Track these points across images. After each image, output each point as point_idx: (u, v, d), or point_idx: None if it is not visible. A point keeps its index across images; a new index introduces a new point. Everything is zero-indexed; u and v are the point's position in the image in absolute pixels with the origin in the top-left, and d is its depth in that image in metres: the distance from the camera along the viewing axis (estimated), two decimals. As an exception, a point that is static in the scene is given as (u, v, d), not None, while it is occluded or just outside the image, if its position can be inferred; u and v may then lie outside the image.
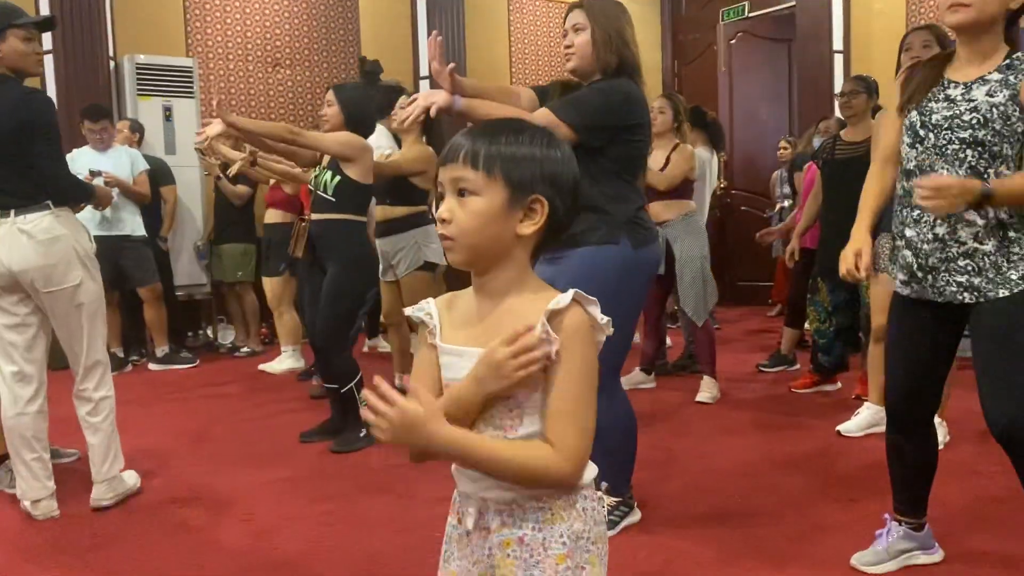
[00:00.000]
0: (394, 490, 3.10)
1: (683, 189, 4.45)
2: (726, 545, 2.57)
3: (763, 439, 3.73)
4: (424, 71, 7.63)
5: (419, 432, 1.06)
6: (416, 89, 7.26)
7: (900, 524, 2.35)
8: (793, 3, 7.80)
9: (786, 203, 6.61)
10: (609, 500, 2.66)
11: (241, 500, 3.05)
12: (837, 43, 7.31)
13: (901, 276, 2.18)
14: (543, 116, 2.45)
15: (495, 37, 8.01)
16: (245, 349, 6.22)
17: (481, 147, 1.13)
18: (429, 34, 7.79)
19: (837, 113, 5.61)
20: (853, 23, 7.33)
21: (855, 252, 2.18)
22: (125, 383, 5.18)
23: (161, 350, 5.69)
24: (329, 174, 3.65)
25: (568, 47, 2.60)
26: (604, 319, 1.14)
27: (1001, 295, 2.03)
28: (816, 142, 5.56)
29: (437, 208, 1.17)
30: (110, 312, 5.39)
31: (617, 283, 2.44)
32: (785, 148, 6.89)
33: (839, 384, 4.57)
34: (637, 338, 5.38)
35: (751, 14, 8.32)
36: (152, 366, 5.68)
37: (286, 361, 5.56)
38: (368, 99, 3.84)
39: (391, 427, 1.05)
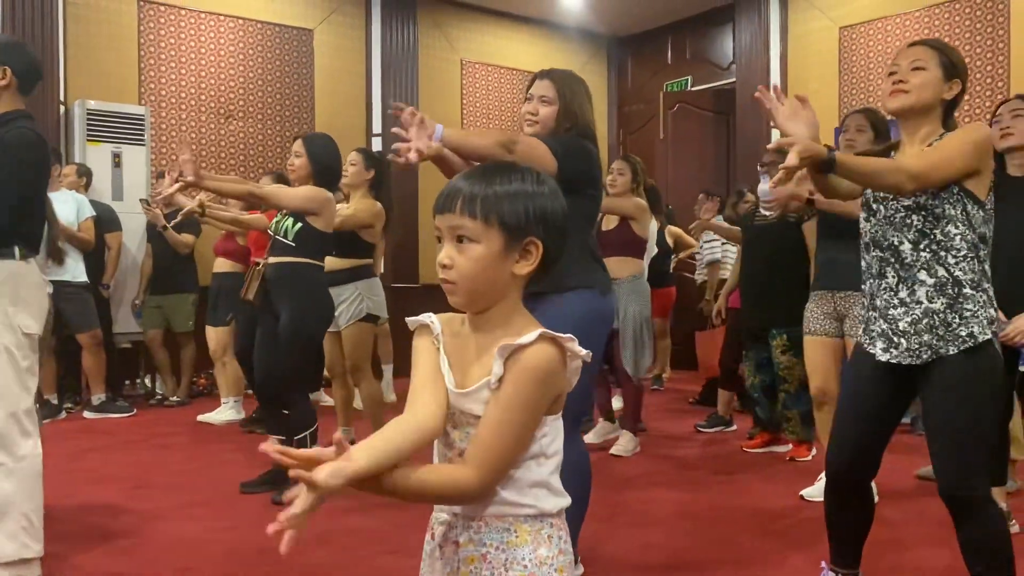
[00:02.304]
0: (338, 541, 3.09)
1: (636, 248, 4.59)
2: (666, 598, 2.63)
3: (701, 495, 3.82)
4: (376, 128, 7.76)
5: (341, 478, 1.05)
6: (369, 145, 7.36)
7: (836, 574, 2.43)
8: (733, 79, 8.19)
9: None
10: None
11: (181, 552, 3.00)
12: (774, 119, 7.64)
13: (880, 344, 2.23)
14: (529, 139, 2.48)
15: (448, 98, 8.20)
16: (175, 398, 6.14)
17: (477, 196, 1.19)
18: (383, 92, 7.93)
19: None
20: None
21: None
22: (59, 431, 5.06)
23: (97, 398, 5.58)
24: (291, 220, 3.70)
25: (533, 114, 2.62)
26: (583, 352, 1.20)
27: (951, 352, 2.12)
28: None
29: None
30: (46, 357, 5.30)
31: (588, 328, 2.41)
32: (708, 212, 6.97)
33: (791, 446, 4.56)
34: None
35: (693, 88, 8.70)
36: (87, 414, 5.55)
37: (227, 412, 5.50)
38: (337, 152, 3.91)
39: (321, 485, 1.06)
